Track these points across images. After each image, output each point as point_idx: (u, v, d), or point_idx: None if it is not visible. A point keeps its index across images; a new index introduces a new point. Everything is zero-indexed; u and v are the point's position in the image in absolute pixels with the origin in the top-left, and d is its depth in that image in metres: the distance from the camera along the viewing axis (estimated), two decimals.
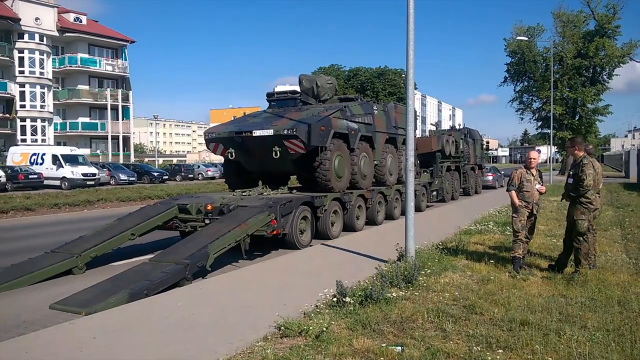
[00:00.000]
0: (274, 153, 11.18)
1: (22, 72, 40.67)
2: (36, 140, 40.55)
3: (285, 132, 10.91)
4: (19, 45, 40.54)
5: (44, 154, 29.41)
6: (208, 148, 12.59)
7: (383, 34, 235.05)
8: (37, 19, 41.44)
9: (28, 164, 29.13)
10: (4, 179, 25.02)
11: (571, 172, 7.40)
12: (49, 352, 4.62)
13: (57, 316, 6.11)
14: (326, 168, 11.43)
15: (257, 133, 11.25)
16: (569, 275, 6.97)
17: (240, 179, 13.09)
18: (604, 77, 46.38)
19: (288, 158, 11.44)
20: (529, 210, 7.55)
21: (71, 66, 44.87)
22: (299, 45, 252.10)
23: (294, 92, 14.17)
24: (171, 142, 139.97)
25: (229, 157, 12.16)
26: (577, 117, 46.93)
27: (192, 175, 42.26)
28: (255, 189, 11.97)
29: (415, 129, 15.75)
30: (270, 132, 11.11)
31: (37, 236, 13.24)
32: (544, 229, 11.40)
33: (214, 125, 14.10)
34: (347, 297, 5.72)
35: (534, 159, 7.66)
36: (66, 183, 27.62)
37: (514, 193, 7.54)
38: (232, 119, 16.38)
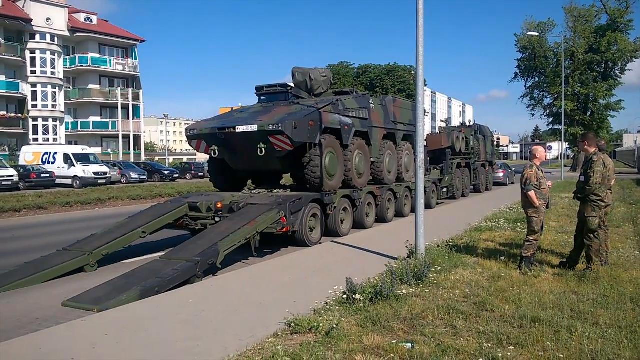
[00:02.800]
0: (259, 150, 10.43)
1: (33, 72, 41.05)
2: (48, 140, 40.91)
3: (270, 127, 10.17)
4: (30, 45, 40.92)
5: (55, 153, 29.65)
6: (191, 145, 11.96)
7: (392, 30, 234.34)
8: (48, 19, 41.80)
9: (40, 163, 29.41)
10: (16, 178, 25.25)
11: (582, 170, 7.34)
12: (62, 349, 4.67)
13: (69, 313, 6.18)
14: (316, 166, 10.83)
15: (241, 129, 10.53)
16: (581, 272, 6.92)
17: (226, 178, 12.48)
18: (616, 72, 45.76)
19: (275, 155, 10.75)
20: (546, 207, 7.50)
21: (82, 66, 45.26)
22: (309, 42, 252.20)
23: (285, 85, 13.26)
24: (181, 141, 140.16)
25: (213, 154, 11.42)
26: (588, 113, 46.40)
27: (202, 174, 42.27)
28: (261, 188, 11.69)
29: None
30: (254, 127, 10.37)
31: (49, 234, 13.38)
32: (556, 226, 11.32)
33: (198, 121, 13.11)
34: (357, 294, 5.72)
35: (545, 153, 7.64)
36: (78, 182, 27.83)
37: (533, 193, 7.27)
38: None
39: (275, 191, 11.49)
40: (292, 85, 13.46)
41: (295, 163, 11.25)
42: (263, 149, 10.45)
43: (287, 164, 11.57)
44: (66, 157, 28.94)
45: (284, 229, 9.38)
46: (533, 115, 52.61)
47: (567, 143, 49.50)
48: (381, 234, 11.45)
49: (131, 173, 32.76)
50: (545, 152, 10.51)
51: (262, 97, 13.25)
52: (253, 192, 11.45)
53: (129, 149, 45.43)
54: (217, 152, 11.32)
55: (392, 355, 4.22)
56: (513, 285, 6.36)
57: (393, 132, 14.72)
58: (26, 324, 5.96)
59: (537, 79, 49.38)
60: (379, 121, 13.89)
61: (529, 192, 7.27)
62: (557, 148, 68.64)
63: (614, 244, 8.77)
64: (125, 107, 45.64)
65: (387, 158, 14.14)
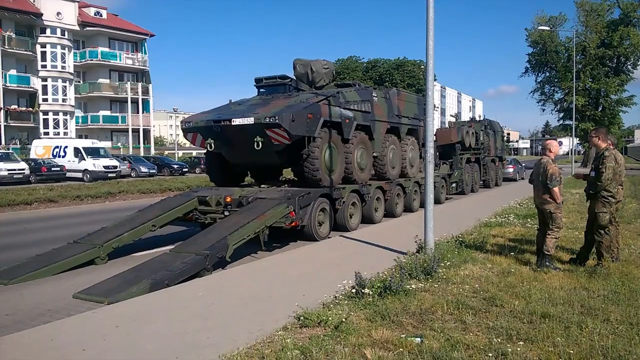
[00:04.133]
0: (256, 144, 10.12)
1: (44, 66, 41.27)
2: (58, 134, 41.16)
3: (267, 120, 9.84)
4: (41, 39, 41.13)
5: (66, 147, 29.84)
6: (186, 138, 11.68)
7: (402, 25, 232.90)
8: (58, 13, 41.98)
9: (51, 156, 29.61)
10: (27, 172, 25.47)
11: (593, 166, 7.26)
12: (73, 340, 4.71)
13: (80, 305, 6.24)
14: (314, 160, 10.53)
15: (237, 122, 10.22)
16: (591, 268, 6.87)
17: (223, 172, 12.21)
18: (629, 67, 45.34)
19: (272, 149, 10.42)
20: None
21: (92, 60, 45.46)
22: (318, 36, 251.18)
23: (284, 77, 12.73)
24: None
25: (209, 148, 11.09)
26: (600, 108, 46.02)
27: None
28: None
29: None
30: (250, 120, 10.06)
31: (60, 227, 13.49)
32: (566, 222, 11.20)
33: (194, 113, 12.83)
34: (366, 289, 5.71)
35: (558, 148, 7.63)
36: (88, 175, 28.00)
37: (558, 189, 7.07)
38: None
39: (283, 186, 11.46)
40: (293, 77, 13.12)
41: (294, 157, 10.94)
42: (260, 143, 10.16)
43: (285, 158, 11.22)
44: (76, 151, 29.12)
45: (293, 224, 9.40)
46: (543, 110, 52.27)
47: (577, 138, 49.15)
48: (390, 229, 11.43)
49: (141, 167, 32.93)
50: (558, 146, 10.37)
51: (261, 89, 12.93)
52: (262, 186, 11.44)
53: (139, 143, 45.64)
54: (213, 145, 11.03)
55: (401, 349, 4.22)
56: (523, 280, 6.33)
57: (397, 126, 14.26)
58: (38, 315, 6.03)
59: (547, 74, 49.08)
60: (382, 114, 13.43)
61: (555, 188, 7.04)
62: (568, 144, 68.04)
63: (625, 240, 8.70)
64: (134, 101, 45.84)
65: (390, 153, 13.74)
